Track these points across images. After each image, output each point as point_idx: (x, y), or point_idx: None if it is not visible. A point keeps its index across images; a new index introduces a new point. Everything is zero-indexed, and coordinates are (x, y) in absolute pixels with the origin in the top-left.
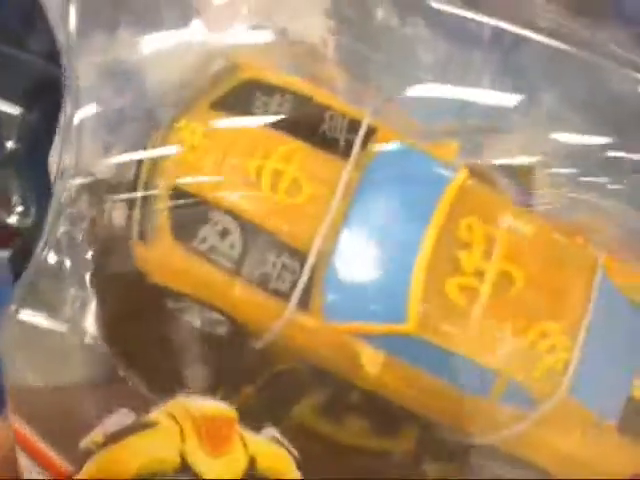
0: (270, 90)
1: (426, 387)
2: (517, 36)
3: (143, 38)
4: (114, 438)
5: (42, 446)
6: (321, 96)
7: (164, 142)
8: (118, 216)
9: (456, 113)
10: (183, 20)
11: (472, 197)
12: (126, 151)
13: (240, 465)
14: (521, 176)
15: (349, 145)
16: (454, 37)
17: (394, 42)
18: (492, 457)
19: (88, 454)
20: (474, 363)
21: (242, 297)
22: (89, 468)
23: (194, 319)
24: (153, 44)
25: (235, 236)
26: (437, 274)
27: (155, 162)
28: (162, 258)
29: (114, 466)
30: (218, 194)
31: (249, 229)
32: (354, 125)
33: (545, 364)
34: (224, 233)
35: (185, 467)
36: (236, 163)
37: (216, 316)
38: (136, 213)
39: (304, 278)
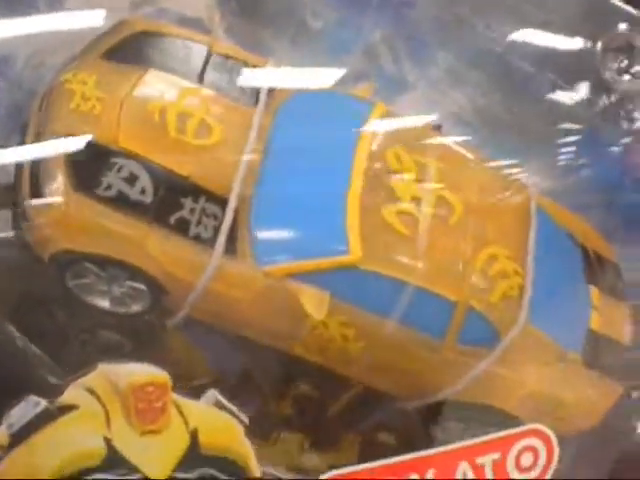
0: (166, 39)
1: (376, 334)
2: None
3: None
4: (22, 436)
5: None
6: (219, 46)
7: (50, 95)
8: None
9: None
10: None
11: (396, 130)
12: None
13: (180, 443)
14: None
15: (256, 93)
16: (343, 1)
17: (281, 11)
18: (453, 415)
19: None
20: (429, 293)
21: (160, 247)
22: None
23: (102, 299)
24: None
25: (144, 181)
26: (372, 202)
27: (44, 115)
28: (62, 215)
29: (28, 470)
30: (119, 139)
31: (158, 173)
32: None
33: (501, 289)
34: (131, 178)
35: (112, 455)
36: (136, 107)
37: (129, 286)
38: (25, 171)
39: (227, 221)
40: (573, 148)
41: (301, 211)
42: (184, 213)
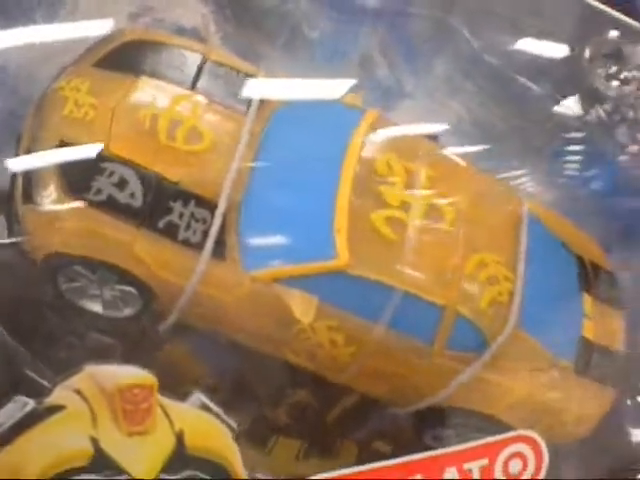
0: (159, 48)
1: (365, 339)
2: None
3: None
4: (10, 436)
5: None
6: (214, 55)
7: (44, 102)
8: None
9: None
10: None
11: (387, 137)
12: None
13: (166, 444)
14: None
15: (249, 100)
16: (339, 10)
17: (277, 21)
18: (443, 421)
19: None
20: (417, 298)
21: (148, 251)
22: None
23: (94, 303)
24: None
25: (134, 186)
26: (361, 208)
27: (38, 121)
28: (54, 218)
29: (15, 470)
30: (110, 145)
31: (148, 178)
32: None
33: (490, 294)
34: (121, 183)
35: (99, 456)
36: (127, 114)
37: (120, 289)
38: (19, 178)
39: (216, 225)
40: (571, 157)
41: (289, 216)
42: (173, 217)
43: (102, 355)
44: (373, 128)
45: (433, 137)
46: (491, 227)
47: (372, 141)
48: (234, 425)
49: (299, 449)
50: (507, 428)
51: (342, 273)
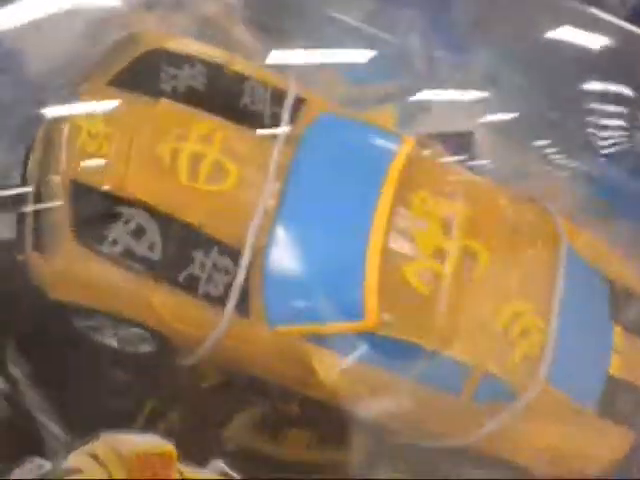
0: (177, 60)
1: (390, 390)
2: None
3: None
4: None
5: None
6: (236, 64)
7: (54, 132)
8: (3, 228)
9: (387, 76)
10: None
11: (420, 169)
12: (7, 147)
13: None
14: (462, 143)
15: (276, 119)
16: None
17: (307, 1)
18: (464, 461)
19: None
20: (445, 357)
21: (167, 306)
22: None
23: (109, 339)
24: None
25: (153, 234)
26: (393, 259)
27: (47, 156)
28: (65, 270)
29: None
30: (127, 186)
31: (168, 225)
32: (278, 95)
33: (520, 350)
34: (138, 232)
35: None
36: (146, 149)
37: (135, 331)
38: (28, 220)
39: (240, 278)
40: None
41: (317, 267)
42: (194, 269)
43: (120, 393)
44: (409, 160)
45: (467, 135)
46: (526, 270)
47: (408, 176)
48: None
49: (310, 439)
50: (527, 474)
51: (368, 334)
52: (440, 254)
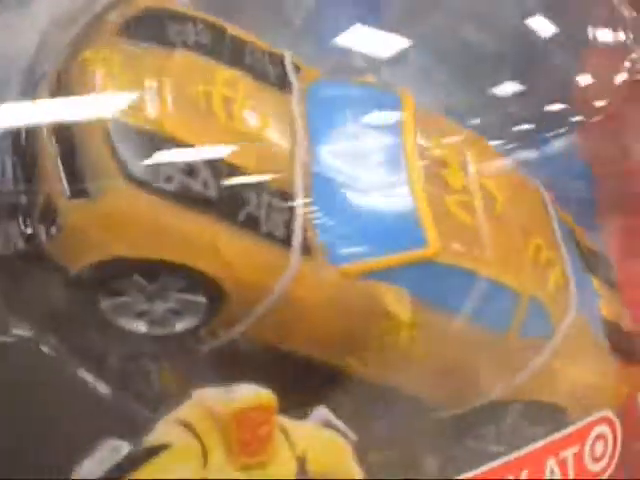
0: (181, 19)
1: (442, 333)
2: None
3: None
4: None
5: None
6: (233, 29)
7: (70, 76)
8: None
9: None
10: None
11: (427, 119)
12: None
13: (286, 472)
14: None
15: (281, 78)
16: None
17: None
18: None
19: None
20: (499, 284)
21: (233, 249)
22: None
23: (136, 321)
24: None
25: (204, 173)
26: (435, 192)
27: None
28: (117, 214)
29: None
30: (166, 125)
31: (217, 164)
32: (276, 59)
33: (554, 277)
34: (190, 170)
35: None
36: (176, 91)
37: (174, 302)
38: (60, 163)
39: (299, 216)
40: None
41: (367, 203)
42: (251, 208)
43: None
44: (415, 107)
45: None
46: (530, 210)
47: (418, 122)
48: (355, 439)
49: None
50: (564, 414)
51: (430, 262)
52: (467, 189)
